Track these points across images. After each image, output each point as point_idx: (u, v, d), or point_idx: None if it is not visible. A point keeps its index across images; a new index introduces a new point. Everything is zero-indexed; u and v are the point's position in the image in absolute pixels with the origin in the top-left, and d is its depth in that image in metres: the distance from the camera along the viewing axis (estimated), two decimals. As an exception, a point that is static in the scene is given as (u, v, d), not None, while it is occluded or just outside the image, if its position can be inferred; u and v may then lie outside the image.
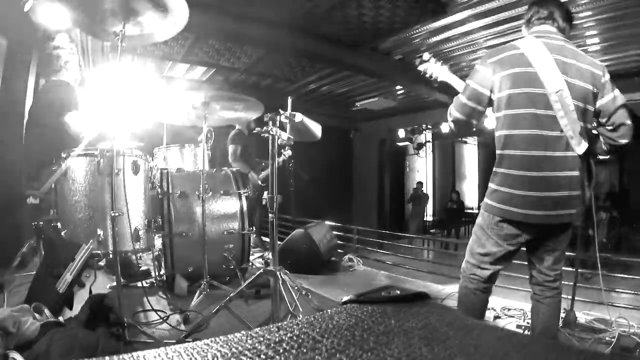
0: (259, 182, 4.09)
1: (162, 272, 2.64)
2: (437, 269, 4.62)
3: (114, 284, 2.29)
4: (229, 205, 2.79)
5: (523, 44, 1.51)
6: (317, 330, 0.71)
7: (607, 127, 1.51)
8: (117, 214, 1.82)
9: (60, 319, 1.58)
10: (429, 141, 10.93)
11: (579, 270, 2.22)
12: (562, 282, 1.62)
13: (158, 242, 2.77)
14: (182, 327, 1.94)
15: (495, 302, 2.47)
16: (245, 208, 2.83)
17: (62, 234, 2.11)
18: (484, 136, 9.76)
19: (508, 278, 3.38)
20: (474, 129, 1.72)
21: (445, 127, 8.47)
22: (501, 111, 1.51)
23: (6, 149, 2.70)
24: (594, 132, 1.57)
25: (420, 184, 10.80)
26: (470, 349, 0.65)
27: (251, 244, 3.04)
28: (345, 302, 0.91)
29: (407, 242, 8.26)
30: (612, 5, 3.59)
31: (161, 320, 1.98)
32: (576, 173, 1.47)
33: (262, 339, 0.67)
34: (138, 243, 2.31)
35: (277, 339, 0.66)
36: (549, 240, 1.56)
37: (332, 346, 0.64)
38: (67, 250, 1.83)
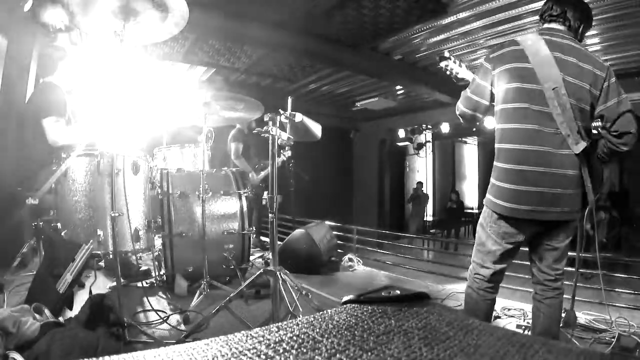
0: (258, 183, 4.10)
1: (162, 272, 2.64)
2: (437, 269, 4.61)
3: (114, 284, 2.29)
4: (229, 205, 2.79)
5: (523, 40, 1.52)
6: (317, 330, 0.71)
7: (611, 133, 1.50)
8: (117, 214, 1.82)
9: (60, 319, 1.58)
10: (429, 141, 10.92)
11: (579, 270, 2.22)
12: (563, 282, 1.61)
13: (158, 242, 2.77)
14: (182, 327, 1.94)
15: (495, 302, 2.47)
16: (245, 208, 2.83)
17: (62, 234, 2.11)
18: (484, 136, 9.76)
19: (508, 278, 3.38)
20: (478, 123, 1.75)
21: (445, 127, 8.48)
22: (498, 105, 1.56)
23: (6, 149, 2.70)
24: (595, 132, 1.57)
25: (420, 184, 10.80)
26: (470, 349, 0.64)
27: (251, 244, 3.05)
28: (345, 302, 0.91)
29: (407, 242, 8.25)
30: (613, 5, 3.59)
31: (161, 320, 1.98)
32: (572, 172, 1.47)
33: (262, 339, 0.67)
34: (138, 243, 2.31)
35: (277, 339, 0.66)
36: (548, 239, 1.56)
37: (332, 346, 0.64)
38: (67, 250, 1.83)
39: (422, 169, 11.45)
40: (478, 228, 1.66)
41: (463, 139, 12.22)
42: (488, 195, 1.59)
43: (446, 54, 1.75)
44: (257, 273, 1.90)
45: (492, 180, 1.58)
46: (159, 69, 5.72)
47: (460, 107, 1.67)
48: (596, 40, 4.49)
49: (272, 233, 1.90)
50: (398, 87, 7.02)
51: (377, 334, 0.70)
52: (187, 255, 2.54)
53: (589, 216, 1.51)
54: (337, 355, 0.60)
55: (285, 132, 1.97)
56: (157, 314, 2.01)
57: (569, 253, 1.62)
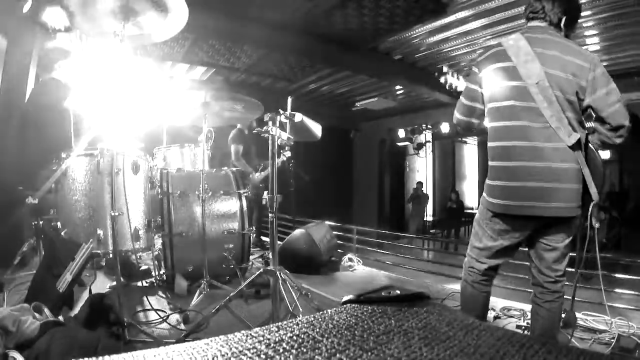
0: (259, 183, 4.10)
1: (162, 271, 2.64)
2: (437, 269, 4.61)
3: (114, 283, 2.29)
4: (229, 205, 2.79)
5: (505, 41, 1.55)
6: (317, 330, 0.71)
7: (605, 126, 1.48)
8: (117, 214, 1.82)
9: (60, 318, 1.57)
10: (428, 141, 10.91)
11: (579, 270, 2.22)
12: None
13: (158, 241, 2.77)
14: (182, 326, 1.94)
15: (496, 302, 2.47)
16: (245, 208, 2.83)
17: (62, 233, 2.11)
18: (484, 136, 9.70)
19: (508, 278, 3.40)
20: (474, 129, 1.75)
21: (445, 127, 8.49)
22: (487, 105, 1.60)
23: (6, 149, 2.70)
24: (588, 124, 1.54)
25: (420, 184, 10.79)
26: (470, 349, 0.65)
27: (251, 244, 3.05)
28: (345, 302, 0.91)
29: (407, 242, 8.25)
30: (612, 5, 3.59)
31: (161, 319, 1.98)
32: (566, 165, 1.44)
33: (262, 338, 0.67)
34: (138, 243, 2.31)
35: (277, 339, 0.66)
36: (546, 238, 1.54)
37: (332, 346, 0.64)
38: (67, 249, 1.83)
39: (422, 169, 11.45)
40: (475, 224, 1.69)
41: (463, 139, 12.22)
42: (483, 194, 1.63)
43: (444, 69, 1.78)
44: (257, 273, 1.90)
45: (486, 179, 1.62)
46: (159, 69, 5.73)
47: (456, 115, 1.71)
48: (596, 40, 4.49)
49: (272, 233, 1.90)
50: (398, 87, 7.03)
51: (377, 334, 0.70)
52: (187, 254, 2.54)
53: (594, 211, 1.47)
54: (337, 355, 0.60)
55: (285, 132, 1.97)
56: (157, 314, 2.01)
57: (570, 254, 1.61)
